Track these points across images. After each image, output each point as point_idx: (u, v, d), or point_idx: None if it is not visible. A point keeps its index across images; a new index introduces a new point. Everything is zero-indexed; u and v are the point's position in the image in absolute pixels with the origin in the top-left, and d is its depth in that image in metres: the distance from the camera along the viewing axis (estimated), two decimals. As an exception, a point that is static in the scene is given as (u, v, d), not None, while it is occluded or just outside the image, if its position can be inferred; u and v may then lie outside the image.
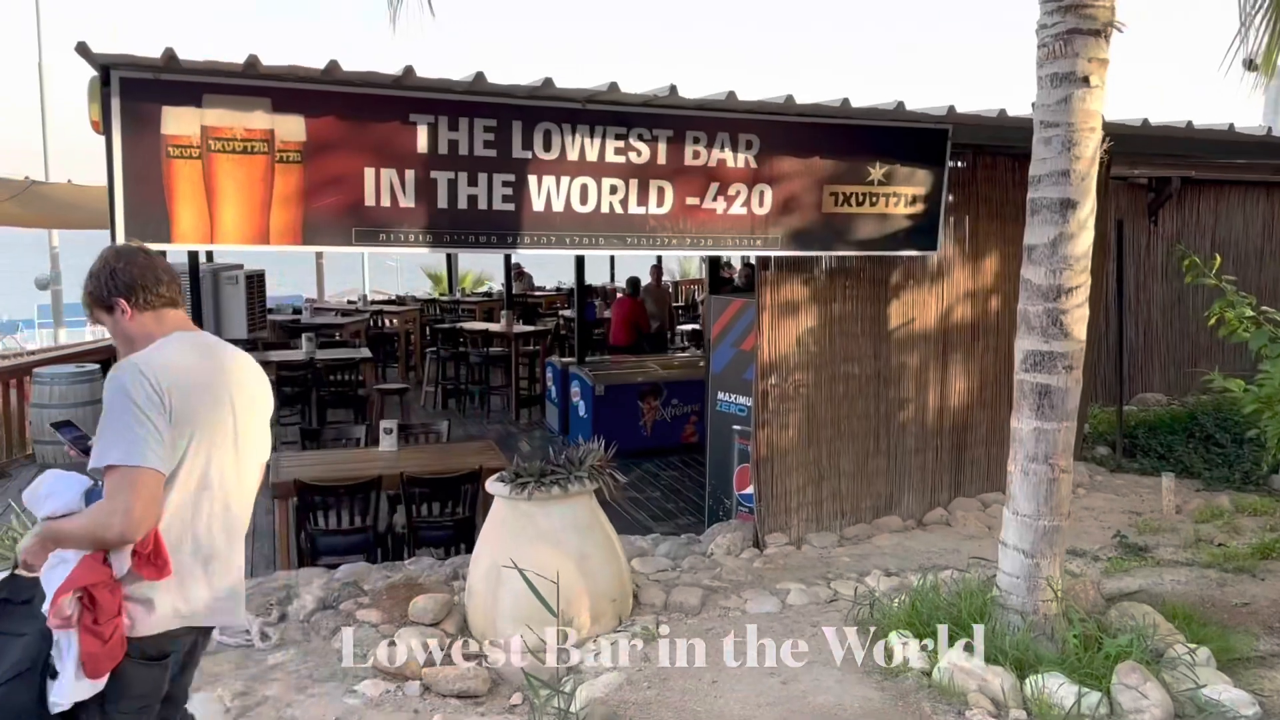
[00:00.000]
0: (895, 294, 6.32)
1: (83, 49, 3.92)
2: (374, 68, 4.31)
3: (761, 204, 5.34)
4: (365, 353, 11.81)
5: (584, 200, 4.96)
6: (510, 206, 4.83)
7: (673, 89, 4.67)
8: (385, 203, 4.60)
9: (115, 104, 4.10)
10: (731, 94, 4.77)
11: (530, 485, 4.74)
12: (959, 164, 6.21)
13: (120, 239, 4.19)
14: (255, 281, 13.57)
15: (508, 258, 14.88)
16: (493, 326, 13.88)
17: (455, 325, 14.08)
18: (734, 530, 6.15)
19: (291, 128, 4.39)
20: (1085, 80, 3.93)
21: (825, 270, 6.02)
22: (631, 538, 6.14)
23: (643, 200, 5.07)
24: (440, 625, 4.90)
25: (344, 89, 4.44)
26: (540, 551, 4.70)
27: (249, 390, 2.83)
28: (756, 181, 5.30)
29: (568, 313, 16.02)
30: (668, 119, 5.04)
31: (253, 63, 4.11)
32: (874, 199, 5.61)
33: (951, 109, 5.26)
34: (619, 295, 13.71)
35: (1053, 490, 4.03)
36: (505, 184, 4.81)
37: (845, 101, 5.04)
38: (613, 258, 20.61)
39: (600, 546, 4.84)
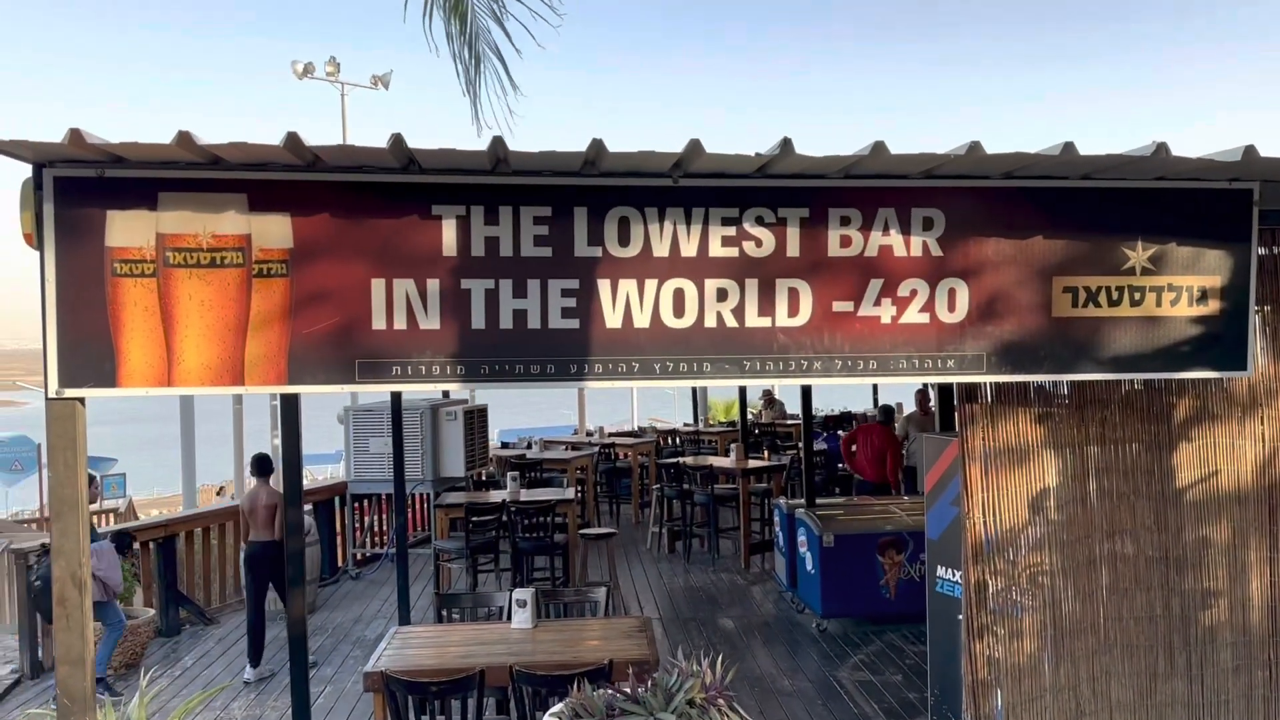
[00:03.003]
0: (1185, 434, 4.27)
1: (11, 144, 3.07)
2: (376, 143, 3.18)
3: (952, 308, 3.64)
4: (568, 493, 10.73)
5: (679, 311, 3.52)
6: (574, 323, 3.49)
7: (786, 143, 3.17)
8: (399, 324, 3.41)
9: (48, 210, 3.22)
10: (880, 146, 3.20)
11: (588, 731, 3.21)
12: (1276, 244, 4.18)
13: (53, 384, 3.25)
14: (476, 417, 13.08)
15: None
16: (720, 461, 12.47)
17: (679, 460, 12.78)
18: (949, 779, 4.23)
19: (273, 231, 3.33)
20: None
21: (1069, 400, 4.13)
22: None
23: (766, 309, 3.55)
24: None
25: (339, 176, 3.34)
26: (601, 834, 3.14)
27: None
28: (943, 276, 3.63)
29: (821, 445, 14.37)
30: (799, 193, 3.53)
31: (219, 149, 3.10)
32: (1137, 295, 3.74)
33: (1251, 151, 3.36)
34: (869, 421, 11.88)
35: None
36: (566, 293, 3.48)
37: (1068, 148, 3.30)
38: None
39: (695, 830, 3.19)
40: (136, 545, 9.47)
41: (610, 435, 16.34)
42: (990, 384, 3.95)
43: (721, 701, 3.39)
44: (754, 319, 3.55)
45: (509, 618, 6.13)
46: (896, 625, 9.21)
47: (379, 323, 3.41)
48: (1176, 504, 4.26)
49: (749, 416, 16.07)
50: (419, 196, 3.41)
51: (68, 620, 3.26)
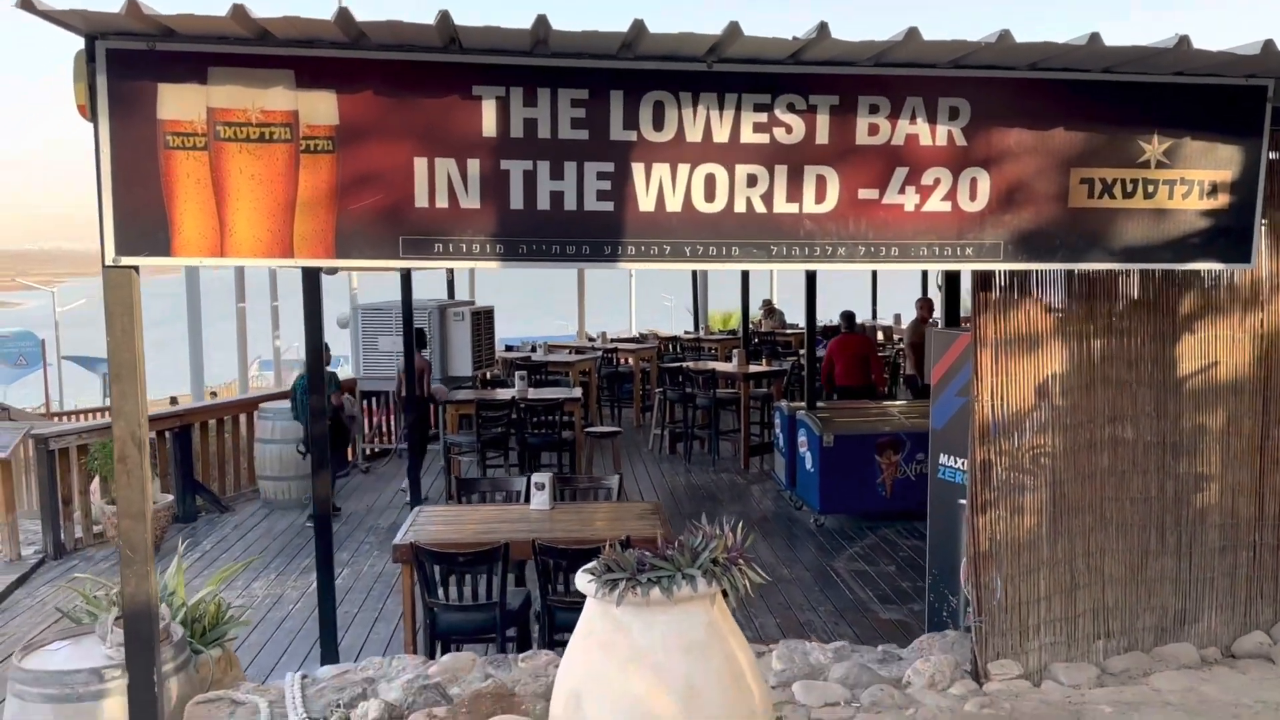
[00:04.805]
0: (1189, 326, 4.45)
1: (66, 13, 3.13)
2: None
3: (973, 197, 3.77)
4: (575, 393, 10.95)
5: (710, 196, 3.64)
6: (608, 206, 3.61)
7: (823, 28, 3.26)
8: (441, 203, 3.53)
9: (101, 82, 3.30)
10: (914, 31, 3.29)
11: (621, 585, 3.44)
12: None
13: (110, 252, 3.38)
14: (483, 318, 13.23)
15: (745, 288, 13.65)
16: (722, 366, 12.68)
17: (682, 364, 12.99)
18: (949, 648, 4.51)
19: (320, 108, 3.43)
20: None
21: (1078, 290, 4.29)
22: (807, 646, 4.66)
23: (795, 195, 3.67)
24: (515, 760, 3.71)
25: (383, 55, 3.43)
26: (633, 679, 3.39)
27: None
28: (966, 165, 3.75)
29: (821, 352, 14.55)
30: (830, 80, 3.63)
31: (269, 23, 3.18)
32: (1150, 188, 3.87)
33: (1270, 45, 3.46)
34: (839, 334, 12.06)
35: None
36: (601, 176, 3.60)
37: (1094, 39, 3.39)
38: (874, 285, 18.82)
39: (720, 676, 3.44)
40: (152, 435, 9.70)
41: (612, 341, 16.52)
42: (1005, 272, 4.10)
43: (741, 561, 3.62)
44: (782, 205, 3.67)
45: (525, 501, 6.37)
46: (891, 522, 9.53)
47: (422, 201, 3.52)
48: (1176, 393, 4.46)
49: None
50: (460, 77, 3.49)
51: (129, 477, 3.45)
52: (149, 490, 3.48)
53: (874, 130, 3.67)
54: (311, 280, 6.22)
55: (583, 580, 3.58)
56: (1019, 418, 4.26)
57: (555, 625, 5.35)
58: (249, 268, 3.98)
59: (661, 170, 3.61)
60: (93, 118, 3.32)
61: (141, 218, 3.37)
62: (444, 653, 5.16)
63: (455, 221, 3.55)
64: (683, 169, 3.62)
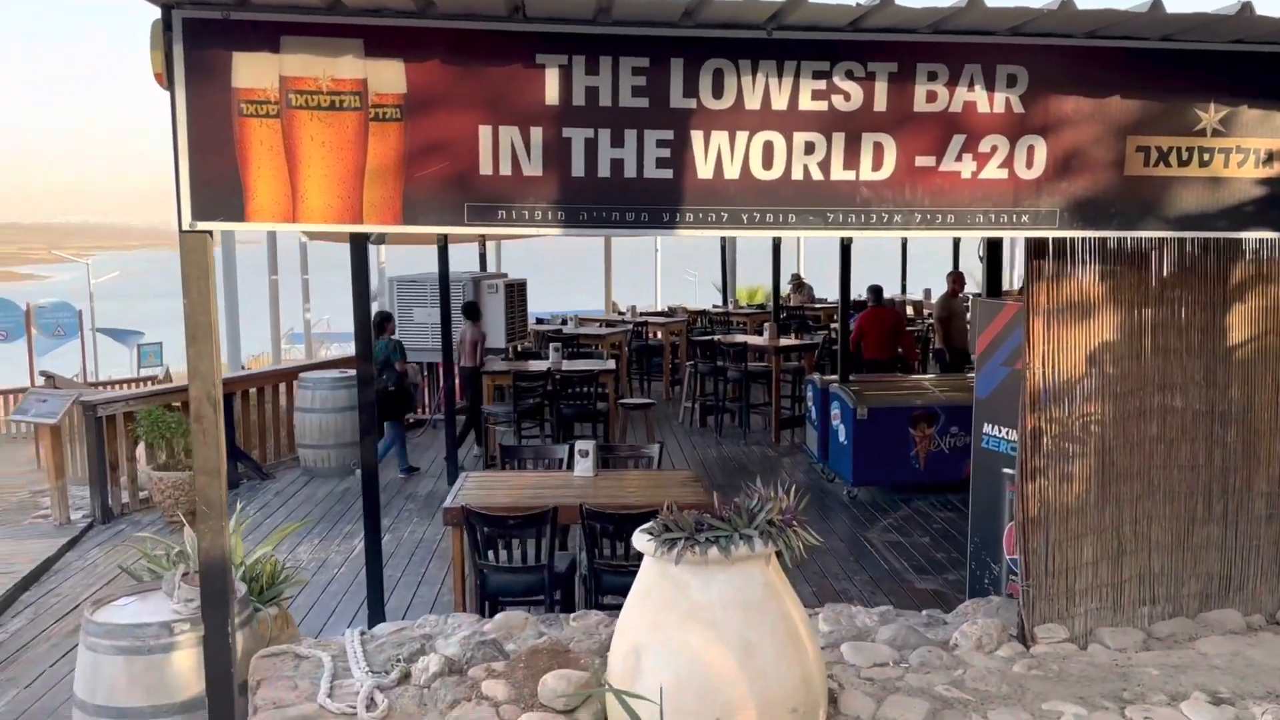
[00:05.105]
0: (1240, 295, 4.46)
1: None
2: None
3: (1030, 164, 3.80)
4: (609, 364, 11.04)
5: (768, 163, 3.69)
6: (667, 173, 3.67)
7: (885, -3, 3.30)
8: (505, 170, 3.60)
9: (178, 51, 3.38)
10: (975, 1, 3.32)
11: (680, 544, 3.52)
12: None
13: (186, 217, 3.47)
14: (516, 290, 13.32)
15: (775, 261, 13.67)
16: (754, 339, 12.73)
17: (713, 338, 13.04)
18: (994, 613, 4.58)
19: (389, 76, 3.50)
20: None
21: (1131, 259, 4.31)
22: (852, 609, 4.74)
23: (852, 162, 3.71)
24: (575, 714, 3.81)
25: (449, 23, 3.49)
26: (691, 634, 3.48)
27: None
28: (1023, 132, 3.77)
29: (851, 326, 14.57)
30: (889, 47, 3.66)
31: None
32: (1206, 156, 3.89)
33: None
34: (870, 306, 12.11)
35: None
36: (661, 143, 3.65)
37: (1155, 6, 3.41)
38: (904, 259, 18.74)
39: (775, 634, 3.53)
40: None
41: (642, 314, 16.59)
42: (1059, 240, 4.13)
43: (796, 524, 3.69)
44: (839, 172, 3.72)
45: (567, 468, 6.48)
46: (924, 494, 9.60)
47: (486, 169, 3.59)
48: (1226, 362, 4.48)
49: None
50: (524, 45, 3.55)
51: (204, 436, 3.56)
52: (223, 448, 3.59)
53: (932, 97, 3.70)
54: (359, 252, 6.33)
55: (641, 540, 3.66)
56: (1069, 385, 4.31)
57: (602, 588, 5.46)
58: (285, 236, 4.06)
59: (720, 138, 3.66)
60: (169, 86, 3.41)
61: (216, 184, 3.46)
62: (492, 614, 5.29)
63: (518, 189, 3.62)
64: (741, 136, 3.66)
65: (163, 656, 4.23)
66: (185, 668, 4.27)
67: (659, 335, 15.07)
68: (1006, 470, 5.26)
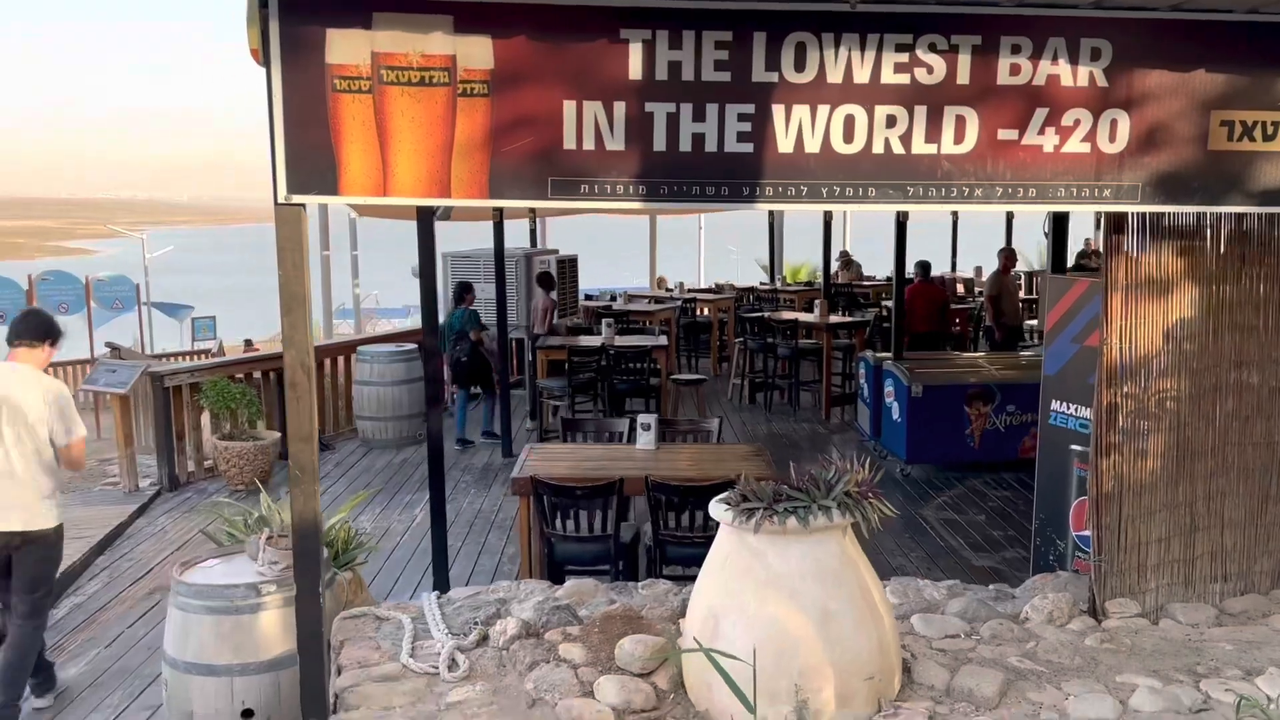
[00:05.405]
0: (1320, 272, 4.42)
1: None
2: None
3: (1113, 138, 3.79)
4: (661, 340, 11.10)
5: (849, 137, 3.71)
6: (748, 147, 3.70)
7: (973, -30, 3.30)
8: (588, 145, 3.65)
9: (274, 27, 3.47)
10: (1064, -27, 3.31)
11: (758, 514, 3.59)
12: None
13: (282, 190, 3.57)
14: (567, 267, 13.40)
15: (826, 238, 13.62)
16: (804, 316, 12.72)
17: (763, 314, 13.05)
18: (1062, 588, 4.60)
19: (476, 52, 3.56)
20: None
21: (1212, 235, 4.28)
22: (919, 583, 4.78)
23: (933, 135, 3.72)
24: (651, 678, 3.89)
25: (536, -1, 3.54)
26: (769, 602, 3.54)
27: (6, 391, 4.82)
28: (1106, 106, 3.76)
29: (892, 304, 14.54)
30: (973, 20, 3.66)
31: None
32: (1292, 130, 3.85)
33: None
34: (914, 283, 12.08)
35: None
36: (742, 118, 3.68)
37: (1248, -23, 3.38)
38: (954, 237, 18.55)
39: (852, 603, 3.58)
40: (256, 375, 10.09)
41: (690, 291, 16.62)
42: (1138, 215, 4.11)
43: (872, 495, 3.74)
44: (920, 146, 3.73)
45: (628, 442, 6.56)
46: (979, 473, 9.58)
47: (570, 143, 3.64)
48: (1304, 339, 4.45)
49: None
50: (608, 20, 3.59)
51: (298, 402, 3.67)
52: (315, 415, 3.70)
53: (1015, 70, 3.70)
54: (425, 227, 6.43)
55: (719, 509, 3.72)
56: (1145, 361, 4.30)
57: (666, 558, 5.55)
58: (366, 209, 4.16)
59: (801, 111, 3.68)
60: (265, 62, 3.50)
61: (310, 159, 3.55)
62: (558, 581, 5.39)
63: (601, 163, 3.67)
64: (822, 110, 3.69)
65: (250, 617, 4.38)
66: (271, 628, 4.42)
67: (707, 312, 15.10)
68: (1075, 447, 5.26)
